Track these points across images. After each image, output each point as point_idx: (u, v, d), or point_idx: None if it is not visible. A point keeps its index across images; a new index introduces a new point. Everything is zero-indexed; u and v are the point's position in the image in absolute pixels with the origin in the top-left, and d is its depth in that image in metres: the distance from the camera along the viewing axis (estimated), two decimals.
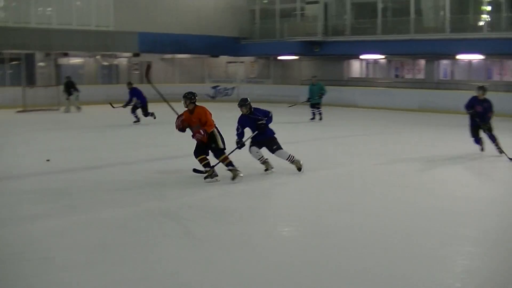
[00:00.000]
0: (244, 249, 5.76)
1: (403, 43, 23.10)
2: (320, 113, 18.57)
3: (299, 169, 9.51)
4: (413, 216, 7.02)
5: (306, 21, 26.67)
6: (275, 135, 9.49)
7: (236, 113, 9.56)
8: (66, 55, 25.69)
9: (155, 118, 17.33)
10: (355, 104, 24.31)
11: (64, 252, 5.58)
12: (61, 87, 21.95)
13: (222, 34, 28.03)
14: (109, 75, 28.10)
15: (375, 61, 26.54)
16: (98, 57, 27.30)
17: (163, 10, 26.63)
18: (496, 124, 11.61)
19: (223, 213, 7.18)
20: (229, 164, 8.88)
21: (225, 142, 8.94)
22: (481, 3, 21.96)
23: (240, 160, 9.25)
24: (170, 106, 9.88)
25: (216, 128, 8.90)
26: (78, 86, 21.93)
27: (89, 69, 27.54)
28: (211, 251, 5.66)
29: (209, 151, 8.91)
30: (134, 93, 17.45)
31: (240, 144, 9.20)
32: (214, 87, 28.83)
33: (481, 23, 22.07)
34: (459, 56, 22.75)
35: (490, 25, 21.64)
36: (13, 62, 24.78)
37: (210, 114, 8.90)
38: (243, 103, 9.34)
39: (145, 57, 26.61)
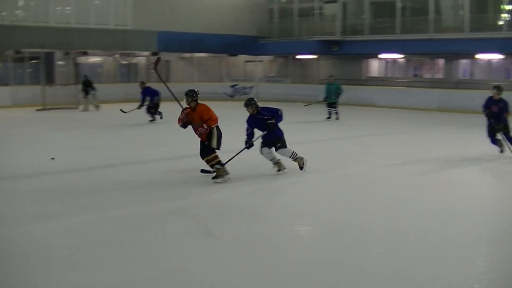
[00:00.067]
0: (261, 247, 5.77)
1: (422, 42, 22.90)
2: (336, 112, 18.49)
3: (301, 167, 9.40)
4: (428, 217, 6.95)
5: (324, 20, 26.65)
6: (283, 135, 9.31)
7: None
8: (85, 54, 25.86)
9: (161, 118, 17.43)
10: (373, 104, 24.14)
11: (80, 251, 5.63)
12: (79, 86, 22.15)
13: (240, 33, 28.08)
14: (128, 73, 28.26)
15: (394, 61, 26.37)
16: (116, 56, 27.50)
17: (182, 9, 26.75)
18: None
19: (238, 212, 7.20)
20: (218, 163, 8.73)
21: (221, 143, 8.78)
22: (501, 2, 21.66)
23: (252, 160, 9.22)
24: (179, 102, 9.68)
25: (218, 127, 8.80)
26: (97, 85, 22.12)
27: (108, 68, 27.76)
28: (228, 249, 5.70)
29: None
30: (147, 92, 17.52)
31: (248, 144, 9.12)
32: (232, 86, 28.86)
33: (501, 22, 21.80)
34: (478, 56, 22.52)
35: (509, 24, 21.36)
36: (33, 61, 25.03)
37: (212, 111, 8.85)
38: (248, 103, 9.24)
39: (164, 56, 26.67)
